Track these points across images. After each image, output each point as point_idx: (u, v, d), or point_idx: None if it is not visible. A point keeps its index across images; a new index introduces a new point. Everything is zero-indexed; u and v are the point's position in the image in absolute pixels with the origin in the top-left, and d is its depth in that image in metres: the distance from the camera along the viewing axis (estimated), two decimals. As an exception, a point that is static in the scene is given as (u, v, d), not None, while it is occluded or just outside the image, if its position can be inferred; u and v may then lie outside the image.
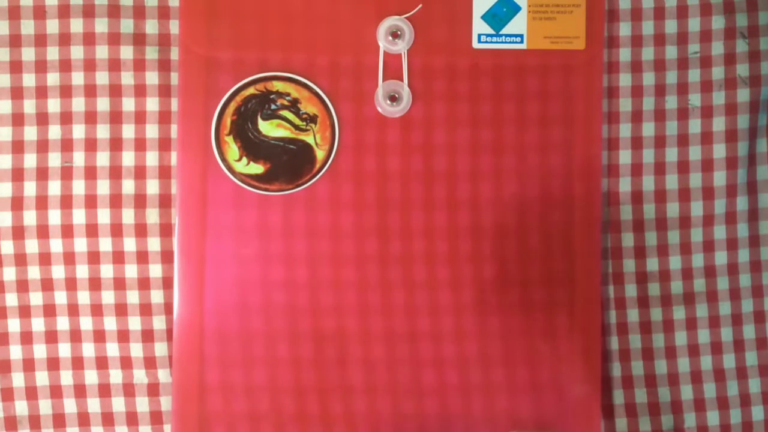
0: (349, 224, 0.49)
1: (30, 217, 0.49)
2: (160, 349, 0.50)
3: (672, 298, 0.51)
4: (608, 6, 0.50)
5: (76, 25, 0.49)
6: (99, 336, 0.50)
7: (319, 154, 0.49)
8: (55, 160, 0.49)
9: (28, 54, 0.49)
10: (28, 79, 0.49)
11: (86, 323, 0.49)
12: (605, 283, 0.51)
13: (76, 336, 0.50)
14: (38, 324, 0.50)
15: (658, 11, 0.50)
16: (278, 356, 0.49)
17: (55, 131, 0.49)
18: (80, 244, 0.49)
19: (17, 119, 0.49)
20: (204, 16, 0.49)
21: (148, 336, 0.50)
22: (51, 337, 0.50)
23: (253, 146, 0.49)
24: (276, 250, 0.49)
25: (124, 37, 0.49)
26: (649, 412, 0.51)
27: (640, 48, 0.50)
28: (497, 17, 0.49)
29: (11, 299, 0.49)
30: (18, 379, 0.50)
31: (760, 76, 0.51)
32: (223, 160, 0.49)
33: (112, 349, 0.50)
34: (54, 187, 0.49)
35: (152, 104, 0.49)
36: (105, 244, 0.49)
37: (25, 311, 0.49)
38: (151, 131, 0.49)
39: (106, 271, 0.49)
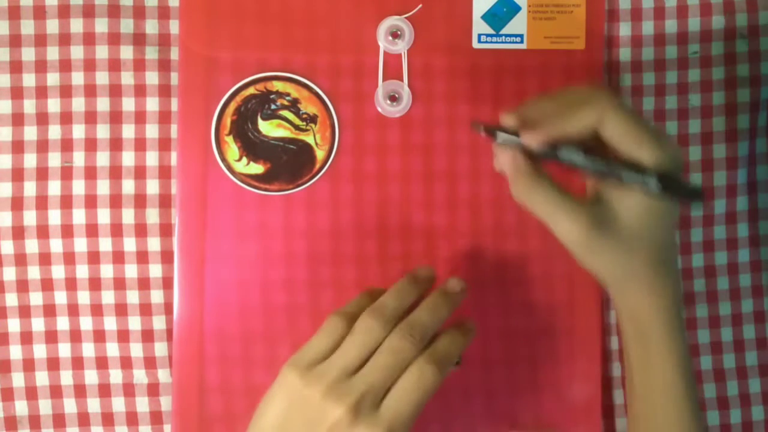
0: (349, 224, 0.49)
1: (30, 217, 0.49)
2: (160, 349, 0.50)
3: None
4: (608, 6, 0.50)
5: (76, 25, 0.49)
6: (99, 336, 0.50)
7: (319, 154, 0.49)
8: (55, 160, 0.49)
9: (28, 54, 0.49)
10: (28, 79, 0.49)
11: (86, 323, 0.49)
12: (605, 283, 0.51)
13: (76, 336, 0.49)
14: (38, 324, 0.49)
15: (658, 11, 0.50)
16: (278, 356, 0.49)
17: (55, 131, 0.49)
18: (80, 244, 0.49)
19: (17, 119, 0.49)
20: (204, 16, 0.49)
21: (148, 336, 0.50)
22: (51, 337, 0.50)
23: (253, 146, 0.49)
24: (276, 250, 0.49)
25: (124, 37, 0.49)
26: (649, 412, 0.51)
27: (640, 48, 0.50)
28: (497, 17, 0.49)
29: (11, 299, 0.49)
30: (18, 379, 0.50)
31: (760, 76, 0.51)
32: (223, 160, 0.49)
33: (112, 349, 0.50)
34: (54, 187, 0.49)
35: (152, 104, 0.49)
36: (105, 244, 0.49)
37: (25, 311, 0.49)
38: (151, 131, 0.49)
39: (106, 271, 0.49)
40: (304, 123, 0.49)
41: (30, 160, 0.49)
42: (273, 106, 0.49)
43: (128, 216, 0.49)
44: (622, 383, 0.51)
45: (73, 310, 0.49)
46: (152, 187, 0.49)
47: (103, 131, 0.49)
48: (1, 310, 0.49)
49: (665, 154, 0.38)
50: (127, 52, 0.49)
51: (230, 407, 0.49)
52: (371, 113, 0.49)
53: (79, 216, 0.49)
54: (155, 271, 0.49)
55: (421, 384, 0.39)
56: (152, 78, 0.49)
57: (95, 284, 0.49)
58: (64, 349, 0.50)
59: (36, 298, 0.49)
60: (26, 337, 0.50)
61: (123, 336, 0.49)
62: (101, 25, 0.49)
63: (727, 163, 0.51)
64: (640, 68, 0.50)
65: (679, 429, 0.43)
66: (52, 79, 0.49)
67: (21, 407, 0.50)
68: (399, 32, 0.49)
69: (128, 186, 0.49)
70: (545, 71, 0.49)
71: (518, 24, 0.49)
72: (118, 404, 0.50)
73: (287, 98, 0.49)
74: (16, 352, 0.50)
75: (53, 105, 0.49)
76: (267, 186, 0.49)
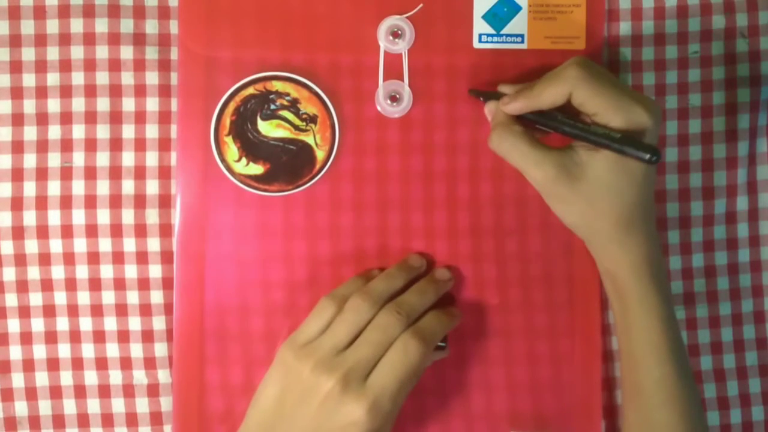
0: (349, 224, 0.49)
1: (30, 217, 0.49)
2: (160, 349, 0.50)
3: (673, 299, 0.51)
4: (608, 6, 0.50)
5: (76, 25, 0.49)
6: (99, 336, 0.49)
7: (319, 154, 0.49)
8: (55, 160, 0.49)
9: (28, 54, 0.49)
10: (28, 79, 0.49)
11: (86, 324, 0.49)
12: (605, 283, 0.51)
13: (75, 336, 0.49)
14: (38, 324, 0.49)
15: (658, 11, 0.50)
16: (278, 356, 0.49)
17: (55, 131, 0.49)
18: (80, 245, 0.49)
19: (17, 119, 0.49)
20: (204, 16, 0.48)
21: (148, 336, 0.50)
22: (51, 337, 0.49)
23: (252, 146, 0.49)
24: (276, 250, 0.49)
25: (124, 37, 0.49)
26: (649, 412, 0.52)
27: (640, 48, 0.50)
28: (498, 17, 0.49)
29: (11, 299, 0.49)
30: (18, 380, 0.50)
31: (760, 76, 0.51)
32: (223, 160, 0.49)
33: (112, 350, 0.50)
34: (54, 187, 0.49)
35: (152, 104, 0.49)
36: (105, 245, 0.49)
37: (24, 312, 0.49)
38: (151, 131, 0.49)
39: (106, 271, 0.49)
40: (304, 123, 0.49)
41: (30, 160, 0.49)
42: (273, 106, 0.49)
43: (128, 216, 0.49)
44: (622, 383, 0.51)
45: (72, 310, 0.49)
46: (152, 187, 0.49)
47: (103, 131, 0.49)
48: (1, 310, 0.49)
49: (625, 117, 0.41)
50: (127, 52, 0.49)
51: (230, 407, 0.49)
52: (371, 113, 0.49)
53: (78, 216, 0.49)
54: (155, 271, 0.49)
55: (406, 357, 0.42)
56: (152, 78, 0.49)
57: (95, 285, 0.49)
58: (64, 350, 0.50)
59: (36, 299, 0.49)
60: (26, 338, 0.49)
61: (123, 336, 0.49)
62: (101, 25, 0.49)
63: (727, 163, 0.51)
64: (640, 68, 0.50)
65: (663, 389, 0.44)
66: (52, 79, 0.49)
67: (21, 408, 0.50)
68: (399, 32, 0.49)
69: (128, 186, 0.49)
70: (545, 71, 0.49)
71: (519, 24, 0.49)
72: (118, 405, 0.50)
73: (287, 98, 0.49)
74: (16, 352, 0.50)
75: (53, 105, 0.49)
76: (267, 186, 0.49)
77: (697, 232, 0.51)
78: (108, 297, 0.49)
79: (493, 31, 0.49)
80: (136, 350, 0.50)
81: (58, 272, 0.49)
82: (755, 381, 0.52)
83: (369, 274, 0.48)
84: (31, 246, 0.49)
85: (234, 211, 0.49)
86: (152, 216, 0.49)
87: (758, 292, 0.52)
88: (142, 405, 0.50)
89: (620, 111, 0.42)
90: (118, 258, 0.49)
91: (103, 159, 0.49)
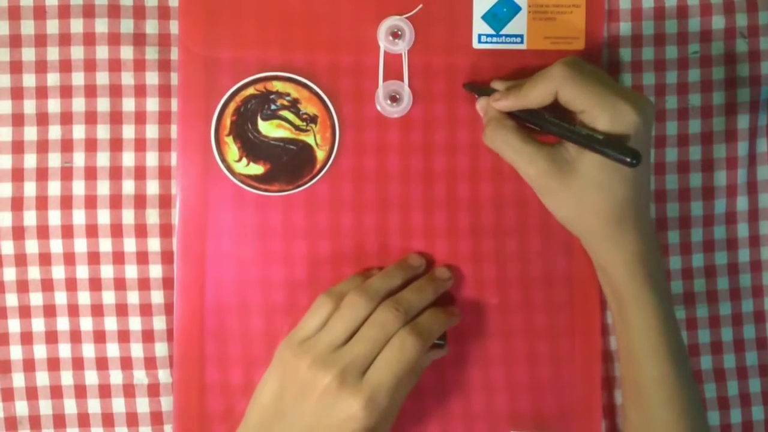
0: (349, 224, 0.49)
1: (30, 218, 0.49)
2: (160, 349, 0.50)
3: (672, 299, 0.51)
4: (608, 6, 0.50)
5: (76, 25, 0.49)
6: (99, 336, 0.50)
7: (320, 154, 0.49)
8: (55, 160, 0.49)
9: (28, 54, 0.49)
10: (28, 79, 0.49)
11: (86, 324, 0.49)
12: (605, 283, 0.51)
13: (76, 336, 0.49)
14: (38, 324, 0.49)
15: (658, 11, 0.50)
16: (278, 356, 0.49)
17: (55, 131, 0.49)
18: (80, 245, 0.49)
19: (17, 119, 0.49)
20: (204, 16, 0.49)
21: (148, 336, 0.50)
22: (51, 337, 0.50)
23: (253, 147, 0.49)
24: (276, 250, 0.49)
25: (124, 37, 0.49)
26: (649, 412, 0.52)
27: (640, 48, 0.50)
28: (497, 17, 0.49)
29: (11, 299, 0.49)
30: (18, 380, 0.50)
31: (760, 76, 0.51)
32: (223, 160, 0.49)
33: (113, 350, 0.50)
34: (54, 188, 0.49)
35: (152, 104, 0.49)
36: (105, 245, 0.49)
37: (25, 311, 0.49)
38: (151, 131, 0.49)
39: (106, 271, 0.49)
40: (304, 123, 0.49)
41: (30, 161, 0.49)
42: (273, 107, 0.49)
43: (128, 216, 0.49)
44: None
45: (73, 310, 0.49)
46: (152, 187, 0.49)
47: (103, 131, 0.49)
48: (1, 310, 0.49)
49: (611, 115, 0.42)
50: (127, 52, 0.49)
51: (230, 407, 0.49)
52: (371, 113, 0.49)
53: (79, 216, 0.49)
54: (155, 271, 0.49)
55: (403, 354, 0.43)
56: (152, 78, 0.49)
57: (95, 285, 0.49)
58: (64, 350, 0.50)
59: (36, 299, 0.49)
60: (26, 338, 0.50)
61: (123, 336, 0.49)
62: (101, 25, 0.49)
63: (727, 163, 0.51)
64: (640, 68, 0.50)
65: (662, 388, 0.45)
66: (52, 79, 0.49)
67: (21, 407, 0.50)
68: (399, 32, 0.49)
69: (128, 186, 0.49)
70: (545, 71, 0.49)
71: (518, 24, 0.49)
72: (119, 405, 0.50)
73: (287, 98, 0.49)
74: (16, 352, 0.50)
75: (53, 105, 0.49)
76: (267, 186, 0.49)
77: (697, 232, 0.51)
78: (108, 297, 0.49)
79: (492, 32, 0.49)
80: (137, 350, 0.50)
81: (58, 272, 0.49)
82: (755, 381, 0.52)
83: (368, 273, 0.48)
84: (32, 246, 0.49)
85: (234, 211, 0.49)
86: (152, 216, 0.49)
87: (758, 292, 0.52)
88: (143, 405, 0.50)
89: (606, 109, 0.42)
90: (118, 258, 0.49)
91: (103, 159, 0.49)
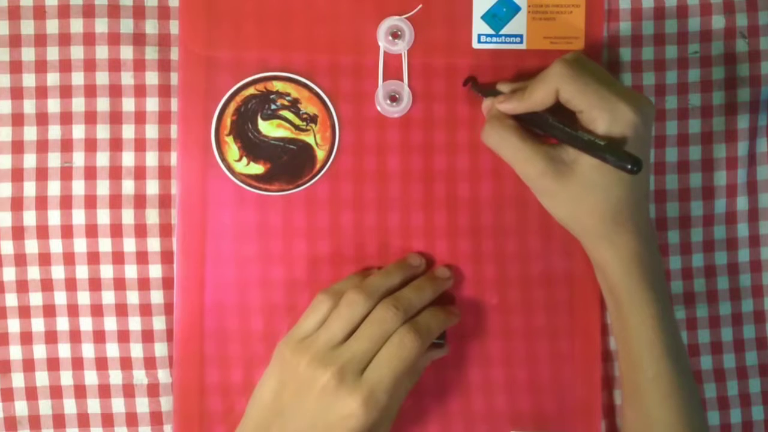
0: (349, 224, 0.49)
1: (30, 218, 0.49)
2: (160, 349, 0.50)
3: (672, 298, 0.51)
4: (608, 6, 0.50)
5: (76, 25, 0.49)
6: (99, 336, 0.49)
7: (320, 154, 0.49)
8: (55, 160, 0.49)
9: (28, 54, 0.49)
10: (28, 79, 0.49)
11: (86, 323, 0.49)
12: (605, 283, 0.51)
13: (75, 336, 0.49)
14: (38, 324, 0.49)
15: (658, 11, 0.50)
16: (278, 356, 0.49)
17: (55, 131, 0.49)
18: (80, 245, 0.49)
19: (17, 119, 0.49)
20: (204, 16, 0.49)
21: (148, 336, 0.50)
22: (51, 337, 0.50)
23: (253, 146, 0.49)
24: (276, 250, 0.49)
25: (124, 37, 0.49)
26: (649, 412, 0.51)
27: (639, 48, 0.50)
28: (497, 17, 0.49)
29: (11, 299, 0.49)
30: (18, 380, 0.50)
31: (760, 76, 0.51)
32: (223, 160, 0.49)
33: (112, 350, 0.50)
34: (54, 188, 0.49)
35: (152, 104, 0.49)
36: (105, 245, 0.49)
37: (25, 311, 0.49)
38: (151, 131, 0.49)
39: (106, 271, 0.49)
40: (304, 123, 0.49)
41: (30, 161, 0.49)
42: (273, 106, 0.49)
43: (128, 216, 0.49)
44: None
45: (72, 310, 0.49)
46: (152, 187, 0.49)
47: (103, 131, 0.49)
48: (1, 310, 0.49)
49: (610, 115, 0.42)
50: (127, 52, 0.49)
51: (230, 407, 0.49)
52: (371, 113, 0.49)
53: (78, 216, 0.49)
54: (155, 271, 0.49)
55: (402, 352, 0.43)
56: (152, 78, 0.49)
57: (95, 284, 0.49)
58: (64, 350, 0.50)
59: (36, 299, 0.49)
60: (26, 338, 0.50)
61: (123, 336, 0.49)
62: (101, 25, 0.49)
63: (727, 163, 0.51)
64: (640, 68, 0.50)
65: (660, 386, 0.44)
66: (52, 79, 0.49)
67: (21, 407, 0.50)
68: (399, 32, 0.49)
69: (128, 186, 0.49)
70: (545, 71, 0.49)
71: (518, 24, 0.49)
72: (118, 405, 0.50)
73: (287, 98, 0.49)
74: (16, 352, 0.50)
75: (53, 105, 0.49)
76: (267, 186, 0.49)
77: (697, 232, 0.51)
78: (108, 297, 0.49)
79: (492, 32, 0.49)
80: (136, 350, 0.50)
81: (58, 272, 0.49)
82: (755, 381, 0.52)
83: (367, 272, 0.49)
84: (31, 246, 0.49)
85: (234, 210, 0.49)
86: (152, 216, 0.49)
87: (758, 292, 0.52)
88: (143, 405, 0.50)
89: (604, 110, 0.42)
90: (118, 258, 0.49)
91: (103, 159, 0.49)
